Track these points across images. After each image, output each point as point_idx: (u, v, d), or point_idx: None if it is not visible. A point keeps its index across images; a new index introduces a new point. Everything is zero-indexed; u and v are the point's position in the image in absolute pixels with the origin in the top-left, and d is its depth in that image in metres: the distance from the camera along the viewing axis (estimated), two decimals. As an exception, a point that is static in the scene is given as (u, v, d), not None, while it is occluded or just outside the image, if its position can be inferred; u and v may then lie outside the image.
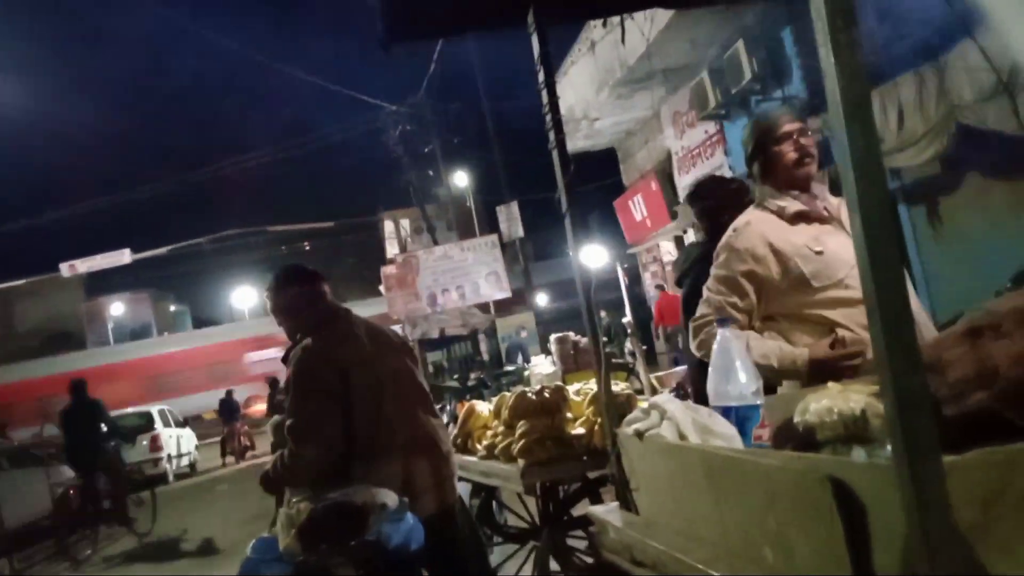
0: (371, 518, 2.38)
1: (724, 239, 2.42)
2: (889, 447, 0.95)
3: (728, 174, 10.51)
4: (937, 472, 0.88)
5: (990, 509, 0.89)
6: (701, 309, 2.40)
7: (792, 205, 2.34)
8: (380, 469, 2.66)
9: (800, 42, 8.90)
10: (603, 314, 18.74)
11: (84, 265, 19.74)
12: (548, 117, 2.04)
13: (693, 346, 2.40)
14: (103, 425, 9.23)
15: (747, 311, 2.33)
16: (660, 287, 14.38)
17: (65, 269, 19.45)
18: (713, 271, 2.42)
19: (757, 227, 2.35)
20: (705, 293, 2.42)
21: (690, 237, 12.50)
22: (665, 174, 13.03)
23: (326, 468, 2.67)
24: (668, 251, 14.82)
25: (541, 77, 2.06)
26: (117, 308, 36.11)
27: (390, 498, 2.45)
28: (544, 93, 2.05)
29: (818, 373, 2.10)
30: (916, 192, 7.92)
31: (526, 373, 5.70)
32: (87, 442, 9.10)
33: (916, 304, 2.34)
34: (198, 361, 27.73)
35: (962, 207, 7.44)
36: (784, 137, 2.35)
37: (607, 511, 1.96)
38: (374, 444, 2.72)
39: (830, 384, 1.43)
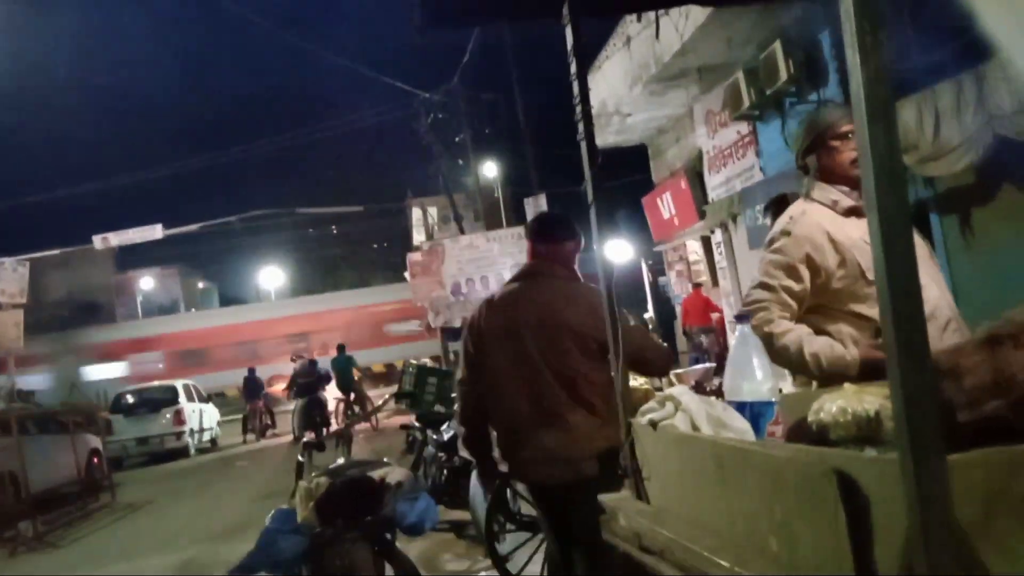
0: (387, 495, 2.43)
1: (780, 225, 2.41)
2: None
3: (759, 176, 10.44)
4: (940, 468, 0.90)
5: (991, 508, 0.91)
6: (758, 293, 2.36)
7: (845, 199, 2.36)
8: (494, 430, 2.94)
9: (838, 46, 8.78)
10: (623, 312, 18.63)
11: (117, 238, 19.93)
12: (578, 108, 2.06)
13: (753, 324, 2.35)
14: (354, 368, 17.45)
15: (801, 298, 2.32)
16: (698, 285, 14.12)
17: (98, 241, 19.65)
18: (769, 256, 2.39)
19: (813, 216, 2.35)
20: (760, 278, 2.38)
21: (717, 237, 12.42)
22: (695, 172, 12.95)
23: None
24: (694, 250, 14.74)
25: (573, 68, 2.08)
26: (147, 282, 36.61)
27: (406, 477, 2.50)
28: (575, 84, 2.08)
29: (871, 372, 2.04)
30: (949, 202, 7.81)
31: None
32: (344, 378, 17.05)
33: (952, 308, 2.33)
34: (225, 338, 28.08)
35: (994, 218, 7.34)
36: (846, 135, 2.36)
37: (618, 499, 1.99)
38: (495, 406, 2.92)
39: (845, 385, 1.44)
